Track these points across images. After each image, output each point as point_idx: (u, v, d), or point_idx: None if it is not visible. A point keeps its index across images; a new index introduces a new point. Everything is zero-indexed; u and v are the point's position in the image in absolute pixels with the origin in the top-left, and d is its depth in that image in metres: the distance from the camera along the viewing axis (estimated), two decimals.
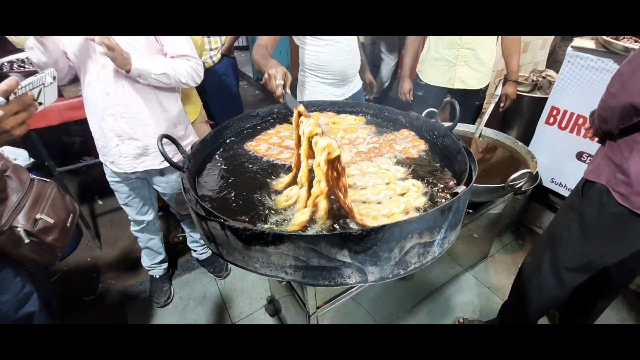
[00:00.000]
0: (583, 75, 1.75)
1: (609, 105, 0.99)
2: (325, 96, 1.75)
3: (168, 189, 1.59)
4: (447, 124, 1.09)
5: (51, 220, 1.01)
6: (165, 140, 0.83)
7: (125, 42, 1.18)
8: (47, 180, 1.05)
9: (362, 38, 2.75)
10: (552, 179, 2.04)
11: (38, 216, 0.98)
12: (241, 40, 6.20)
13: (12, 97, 0.64)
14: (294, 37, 1.71)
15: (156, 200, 1.72)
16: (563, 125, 1.91)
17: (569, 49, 1.77)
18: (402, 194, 0.84)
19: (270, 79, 1.12)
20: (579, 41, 1.74)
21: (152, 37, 1.26)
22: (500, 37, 1.91)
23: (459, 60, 1.90)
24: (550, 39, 3.07)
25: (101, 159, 1.46)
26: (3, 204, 0.92)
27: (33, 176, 1.02)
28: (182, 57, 1.32)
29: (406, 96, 2.18)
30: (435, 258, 0.74)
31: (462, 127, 1.91)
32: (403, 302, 1.76)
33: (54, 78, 0.75)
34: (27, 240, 0.95)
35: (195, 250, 1.97)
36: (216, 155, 1.06)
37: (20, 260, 1.00)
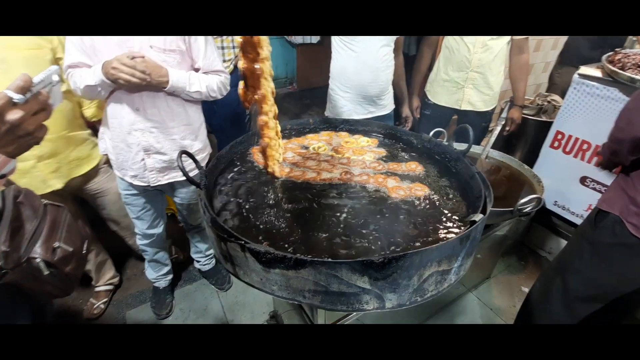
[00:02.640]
0: (588, 102, 1.78)
1: (617, 138, 1.01)
2: (344, 112, 1.77)
3: (186, 200, 1.60)
4: (458, 147, 1.11)
5: (70, 249, 0.91)
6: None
7: (160, 60, 1.19)
8: (60, 205, 0.96)
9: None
10: (555, 201, 2.06)
11: (56, 244, 0.88)
12: None
13: (28, 94, 0.58)
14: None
15: (165, 212, 1.72)
16: (568, 149, 1.94)
17: (575, 76, 1.80)
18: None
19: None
20: (585, 69, 1.78)
21: (185, 53, 1.27)
22: (509, 61, 1.94)
23: (468, 83, 1.93)
24: (552, 62, 3.13)
25: (118, 173, 1.43)
26: (18, 234, 0.81)
27: (45, 201, 0.93)
28: (215, 72, 1.35)
29: (414, 113, 2.21)
30: (452, 285, 0.75)
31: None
32: (407, 322, 1.75)
33: (59, 77, 0.68)
34: (46, 272, 0.84)
35: (198, 262, 1.96)
36: (231, 171, 1.06)
37: (34, 294, 0.88)
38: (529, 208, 1.40)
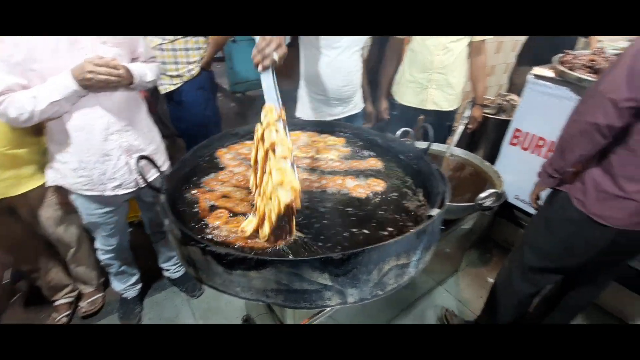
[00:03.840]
0: (542, 101, 1.89)
1: (568, 133, 1.10)
2: (316, 113, 1.79)
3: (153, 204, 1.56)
4: (421, 145, 1.15)
5: None
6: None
7: (113, 55, 1.15)
8: None
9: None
10: (516, 196, 2.17)
11: None
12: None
13: None
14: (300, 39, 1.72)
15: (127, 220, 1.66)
16: (525, 145, 2.05)
17: (530, 76, 1.91)
18: None
19: (269, 43, 0.89)
20: (538, 70, 1.90)
21: (127, 45, 1.23)
22: (469, 62, 2.03)
23: (431, 84, 2.00)
24: (512, 63, 3.30)
25: (91, 192, 1.30)
26: None
27: None
28: (151, 60, 1.35)
29: (382, 114, 2.27)
30: (411, 278, 0.77)
31: (434, 147, 1.99)
32: (379, 318, 1.78)
33: None
34: None
35: (168, 270, 1.91)
36: (194, 175, 1.05)
37: None
38: (489, 202, 1.47)
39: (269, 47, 0.89)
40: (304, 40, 1.68)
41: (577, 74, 1.68)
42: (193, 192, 0.96)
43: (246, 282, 0.67)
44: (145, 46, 1.32)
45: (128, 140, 1.26)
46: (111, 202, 1.40)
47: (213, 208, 0.89)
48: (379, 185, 1.00)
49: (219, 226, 0.82)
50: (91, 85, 1.08)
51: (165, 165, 1.46)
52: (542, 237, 1.31)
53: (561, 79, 1.78)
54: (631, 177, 1.03)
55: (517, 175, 2.09)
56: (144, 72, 1.26)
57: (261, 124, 0.85)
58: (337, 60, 1.66)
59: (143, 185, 1.35)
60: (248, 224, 0.80)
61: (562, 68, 1.74)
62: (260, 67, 0.89)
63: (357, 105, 1.91)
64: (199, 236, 0.77)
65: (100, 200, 1.36)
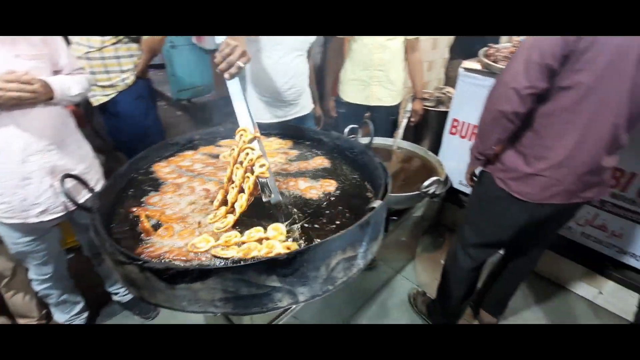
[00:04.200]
0: (473, 92, 2.04)
1: (483, 120, 1.21)
2: (262, 115, 1.76)
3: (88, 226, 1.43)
4: (364, 140, 1.18)
5: None
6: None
7: (32, 68, 1.05)
8: None
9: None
10: (460, 181, 2.32)
11: None
12: (157, 57, 5.88)
13: None
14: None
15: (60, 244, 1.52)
16: (463, 134, 2.20)
17: (461, 69, 2.06)
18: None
19: (233, 50, 0.90)
20: (467, 63, 2.04)
21: (47, 57, 1.14)
22: (406, 59, 2.14)
23: (373, 81, 2.08)
24: (448, 58, 3.53)
25: (12, 220, 1.18)
26: None
27: None
28: (77, 71, 1.26)
29: (330, 112, 2.31)
30: (361, 269, 0.80)
31: (382, 141, 2.07)
32: (342, 313, 1.81)
33: None
34: None
35: (116, 294, 1.78)
36: (131, 190, 0.99)
37: None
38: (434, 190, 1.56)
39: (234, 54, 0.89)
40: (248, 41, 1.65)
41: (500, 65, 1.84)
42: (130, 208, 0.90)
43: (191, 295, 0.65)
44: (69, 57, 1.23)
45: (52, 160, 1.16)
46: (37, 229, 1.27)
47: (156, 225, 0.85)
48: (331, 186, 1.01)
49: (161, 241, 0.78)
50: (2, 103, 0.98)
51: (99, 183, 1.36)
52: (476, 214, 1.43)
53: (487, 71, 1.93)
54: (539, 156, 1.15)
55: (459, 162, 2.23)
56: (68, 85, 1.16)
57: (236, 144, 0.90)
58: (280, 62, 1.66)
59: (73, 208, 1.26)
60: (201, 242, 0.76)
61: (486, 61, 1.89)
62: (227, 75, 0.91)
63: (305, 107, 1.92)
64: (137, 254, 0.73)
65: (24, 228, 1.23)
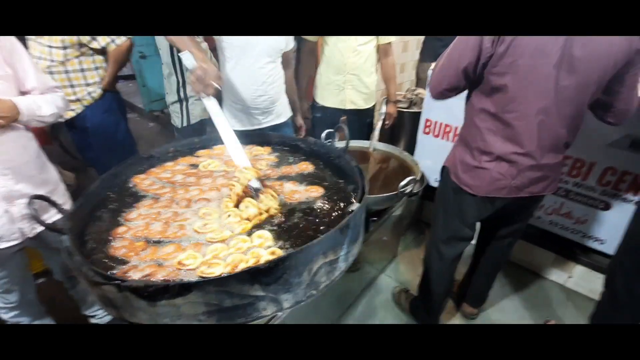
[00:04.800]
0: None
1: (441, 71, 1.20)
2: (237, 123, 1.75)
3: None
4: (340, 144, 1.21)
5: None
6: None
7: None
8: None
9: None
10: (435, 179, 2.39)
11: None
12: (127, 68, 5.71)
13: None
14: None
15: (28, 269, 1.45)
16: (436, 133, 2.27)
17: (430, 71, 2.12)
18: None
19: (206, 73, 1.02)
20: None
21: (11, 77, 1.09)
22: (379, 63, 2.19)
23: (347, 84, 2.12)
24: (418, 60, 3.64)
25: None
26: None
27: None
28: (51, 90, 1.21)
29: (305, 114, 2.32)
30: (343, 272, 0.81)
31: (358, 144, 2.11)
32: (329, 316, 1.82)
33: None
34: None
35: (94, 316, 1.70)
36: (108, 207, 0.96)
37: None
38: (410, 189, 1.60)
39: (208, 75, 0.98)
40: (220, 48, 1.64)
41: None
42: (107, 226, 0.88)
43: (174, 311, 0.64)
44: (39, 77, 1.16)
45: (7, 185, 1.11)
46: None
47: (134, 241, 0.83)
48: (316, 192, 1.02)
49: (142, 260, 0.77)
50: None
51: (66, 205, 1.30)
52: (439, 210, 1.47)
53: None
54: (481, 149, 1.20)
55: (434, 160, 2.32)
56: (37, 105, 1.11)
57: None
58: (251, 69, 1.66)
59: (31, 235, 1.21)
60: (189, 258, 0.75)
61: None
62: (203, 95, 0.97)
63: (281, 114, 1.91)
64: (112, 273, 0.71)
65: None
